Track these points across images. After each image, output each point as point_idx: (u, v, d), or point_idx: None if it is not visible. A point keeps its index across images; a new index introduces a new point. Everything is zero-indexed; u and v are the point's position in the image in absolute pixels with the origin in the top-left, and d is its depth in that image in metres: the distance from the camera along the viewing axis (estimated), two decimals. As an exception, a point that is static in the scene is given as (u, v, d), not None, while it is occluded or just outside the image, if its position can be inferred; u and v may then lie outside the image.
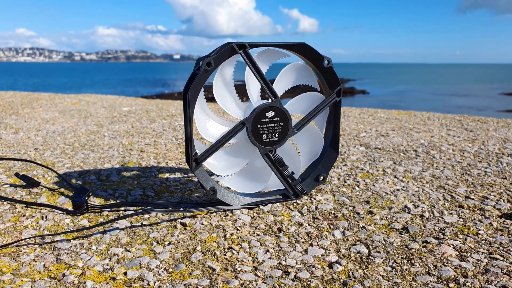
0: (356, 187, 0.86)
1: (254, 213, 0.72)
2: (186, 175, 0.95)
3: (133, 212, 0.73)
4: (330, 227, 0.67)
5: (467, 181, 0.89)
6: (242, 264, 0.55)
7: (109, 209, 0.74)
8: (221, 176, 0.75)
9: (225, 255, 0.58)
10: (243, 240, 0.62)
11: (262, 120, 0.72)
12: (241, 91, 0.75)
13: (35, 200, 0.79)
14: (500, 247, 0.59)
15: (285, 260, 0.56)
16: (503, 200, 0.77)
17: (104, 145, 1.25)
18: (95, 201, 0.79)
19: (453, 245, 0.60)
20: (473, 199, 0.78)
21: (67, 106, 2.18)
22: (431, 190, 0.84)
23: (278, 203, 0.77)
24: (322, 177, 0.79)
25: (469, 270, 0.53)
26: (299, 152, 0.80)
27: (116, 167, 1.01)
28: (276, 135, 0.74)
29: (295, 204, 0.77)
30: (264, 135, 0.73)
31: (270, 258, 0.57)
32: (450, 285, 0.50)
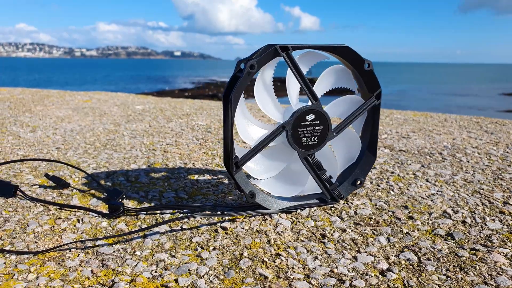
0: (391, 191, 0.85)
1: (293, 218, 0.71)
2: (215, 177, 0.94)
3: (175, 217, 0.72)
4: (373, 233, 0.66)
5: (501, 186, 0.88)
6: (294, 272, 0.54)
7: (145, 212, 0.73)
8: (257, 179, 0.74)
9: (274, 261, 0.57)
10: (288, 246, 0.61)
11: (302, 123, 0.71)
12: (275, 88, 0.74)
13: (67, 202, 0.78)
14: (552, 256, 0.58)
15: (336, 268, 0.55)
16: (543, 206, 0.77)
17: (125, 145, 1.24)
18: (128, 203, 0.78)
19: (503, 253, 0.59)
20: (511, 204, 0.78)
21: (79, 103, 2.17)
22: (467, 195, 0.83)
23: (315, 208, 0.76)
24: (359, 181, 0.78)
25: None
26: (335, 155, 0.79)
27: (143, 168, 1.00)
28: (316, 139, 0.73)
29: (332, 208, 0.76)
30: (303, 138, 0.72)
31: (320, 265, 0.56)
32: (511, 295, 0.49)
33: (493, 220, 0.71)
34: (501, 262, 0.57)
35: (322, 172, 0.75)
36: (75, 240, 0.62)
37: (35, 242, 0.62)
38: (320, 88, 0.74)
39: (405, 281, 0.52)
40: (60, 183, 0.84)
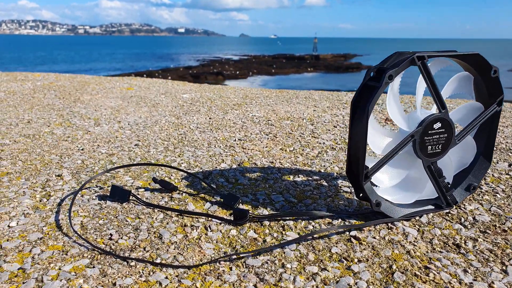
0: (497, 195, 0.85)
1: (417, 225, 0.72)
2: (310, 178, 0.94)
3: (315, 230, 0.73)
4: (507, 243, 0.66)
5: None
6: (452, 286, 0.55)
7: (267, 220, 0.74)
8: (377, 186, 0.75)
9: (427, 275, 0.58)
10: (430, 258, 0.62)
11: (429, 132, 0.71)
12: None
13: (184, 207, 0.79)
14: None
15: (493, 283, 0.56)
16: None
17: (200, 141, 1.24)
18: (244, 207, 0.79)
19: None
20: None
21: (123, 91, 2.16)
22: None
23: (432, 214, 0.76)
24: (473, 187, 0.79)
25: None
26: (449, 161, 0.79)
27: (234, 167, 1.01)
28: (440, 147, 0.73)
29: (449, 215, 0.76)
30: (429, 146, 0.72)
31: (475, 280, 0.57)
32: None
33: None
34: None
35: (442, 179, 0.75)
36: (226, 254, 0.64)
37: (180, 254, 0.64)
38: (444, 95, 0.74)
39: None
40: (169, 187, 0.85)
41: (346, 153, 0.77)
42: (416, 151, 0.72)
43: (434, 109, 0.74)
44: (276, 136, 1.30)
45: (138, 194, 0.85)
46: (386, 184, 0.74)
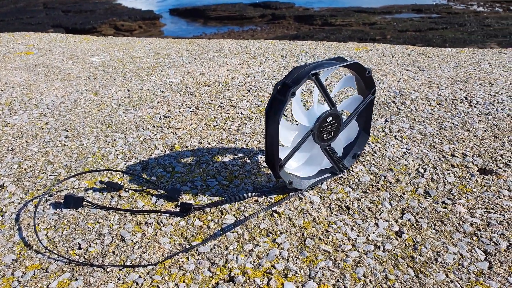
0: (375, 154, 1.13)
1: (319, 193, 0.97)
2: (235, 156, 1.13)
3: (251, 214, 0.93)
4: (379, 199, 0.94)
5: (446, 137, 1.21)
6: (344, 244, 0.81)
7: (209, 208, 0.93)
8: (289, 168, 0.96)
9: (327, 237, 0.83)
10: (329, 222, 0.87)
11: (324, 125, 0.92)
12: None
13: (134, 205, 0.94)
14: (490, 202, 0.92)
15: (369, 236, 0.83)
16: (476, 156, 1.11)
17: (127, 123, 1.34)
18: (186, 197, 0.96)
19: (462, 204, 0.92)
20: (457, 156, 1.10)
21: (24, 59, 2.04)
22: (427, 151, 1.14)
23: (330, 180, 1.01)
24: (357, 155, 1.04)
25: (479, 224, 0.85)
26: (340, 138, 1.03)
27: (168, 153, 1.15)
28: (332, 133, 0.95)
29: (341, 179, 1.02)
30: (324, 135, 0.94)
31: (358, 236, 0.83)
32: (474, 238, 0.82)
33: (449, 174, 1.03)
34: (462, 212, 0.89)
35: (335, 155, 0.99)
36: (183, 248, 0.82)
37: (144, 252, 0.81)
38: (334, 92, 0.94)
39: (413, 238, 0.82)
40: (116, 187, 0.98)
41: (264, 146, 0.96)
42: (315, 140, 0.93)
43: (327, 105, 0.95)
44: (199, 109, 1.44)
45: (88, 196, 0.97)
46: (295, 166, 0.96)
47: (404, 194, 0.96)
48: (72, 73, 1.82)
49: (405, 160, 1.10)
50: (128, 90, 1.61)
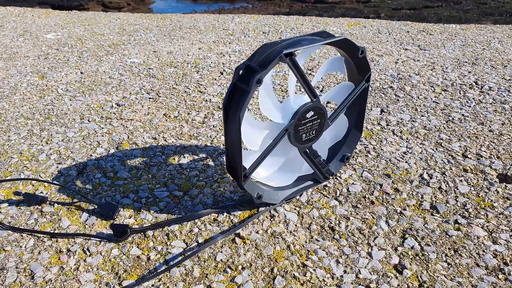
0: (368, 155, 0.91)
1: (297, 208, 0.76)
2: (197, 157, 0.91)
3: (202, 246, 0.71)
4: (373, 217, 0.73)
5: (455, 132, 1.00)
6: (326, 285, 0.61)
7: (152, 230, 0.71)
8: (258, 176, 0.75)
9: (304, 275, 0.62)
10: (308, 251, 0.66)
11: (302, 122, 0.70)
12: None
13: (57, 224, 0.72)
14: (515, 222, 0.72)
15: (360, 273, 0.63)
16: (494, 157, 0.90)
17: (71, 113, 1.11)
18: (125, 214, 0.75)
19: (480, 224, 0.71)
20: (470, 158, 0.89)
21: (-32, 35, 1.78)
22: (432, 150, 0.93)
23: (311, 189, 0.80)
24: (347, 157, 0.83)
25: (505, 255, 0.65)
26: (325, 136, 0.81)
27: (112, 152, 0.93)
28: (314, 132, 0.73)
29: (326, 188, 0.81)
30: (303, 135, 0.72)
31: (345, 272, 0.63)
32: (499, 276, 0.62)
33: (461, 181, 0.82)
34: (482, 237, 0.69)
35: (318, 158, 0.78)
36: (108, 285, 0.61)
37: (56, 296, 0.59)
38: (316, 80, 0.72)
39: (419, 276, 0.62)
40: (37, 200, 0.76)
41: (224, 150, 0.74)
42: (292, 141, 0.71)
43: (307, 96, 0.72)
44: (159, 95, 1.21)
45: (0, 212, 0.75)
46: (265, 174, 0.74)
47: (405, 209, 0.75)
48: (20, 52, 1.57)
49: (406, 162, 0.88)
50: (81, 73, 1.37)
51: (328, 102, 1.06)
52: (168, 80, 1.30)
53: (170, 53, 1.54)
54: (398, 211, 0.75)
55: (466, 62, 1.42)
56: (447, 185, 0.81)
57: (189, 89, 1.24)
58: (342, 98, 0.76)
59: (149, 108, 1.13)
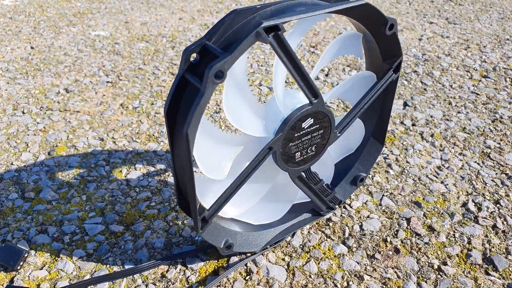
0: (390, 170, 0.66)
1: (287, 258, 0.51)
2: (153, 169, 0.67)
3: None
4: (398, 276, 0.49)
5: (506, 137, 0.74)
6: None
7: (66, 289, 0.48)
8: (230, 213, 0.50)
9: None
10: (299, 338, 0.43)
11: (296, 135, 0.45)
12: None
13: None
14: None
15: None
16: None
17: (3, 101, 0.86)
18: (36, 261, 0.51)
19: (561, 293, 0.47)
20: (531, 177, 0.64)
21: None
22: (478, 164, 0.67)
23: (308, 226, 0.56)
24: (361, 178, 0.58)
25: None
26: (330, 149, 0.56)
27: (41, 160, 0.68)
28: (313, 148, 0.48)
29: (330, 224, 0.56)
30: (297, 153, 0.47)
31: None
32: None
33: (523, 215, 0.57)
34: None
35: (319, 185, 0.53)
36: None
37: None
38: (319, 66, 0.46)
39: None
40: None
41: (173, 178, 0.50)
42: (279, 164, 0.46)
43: (302, 95, 0.47)
44: (120, 78, 0.95)
45: None
46: (239, 211, 0.50)
47: (445, 263, 0.51)
48: (-35, 20, 1.30)
49: (442, 183, 0.63)
50: (32, 48, 1.11)
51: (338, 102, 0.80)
52: (134, 59, 1.04)
53: (144, 24, 1.27)
54: (435, 266, 0.50)
55: (508, 39, 1.15)
56: (504, 223, 0.56)
57: (159, 70, 0.98)
58: (358, 96, 0.50)
59: (103, 95, 0.88)
